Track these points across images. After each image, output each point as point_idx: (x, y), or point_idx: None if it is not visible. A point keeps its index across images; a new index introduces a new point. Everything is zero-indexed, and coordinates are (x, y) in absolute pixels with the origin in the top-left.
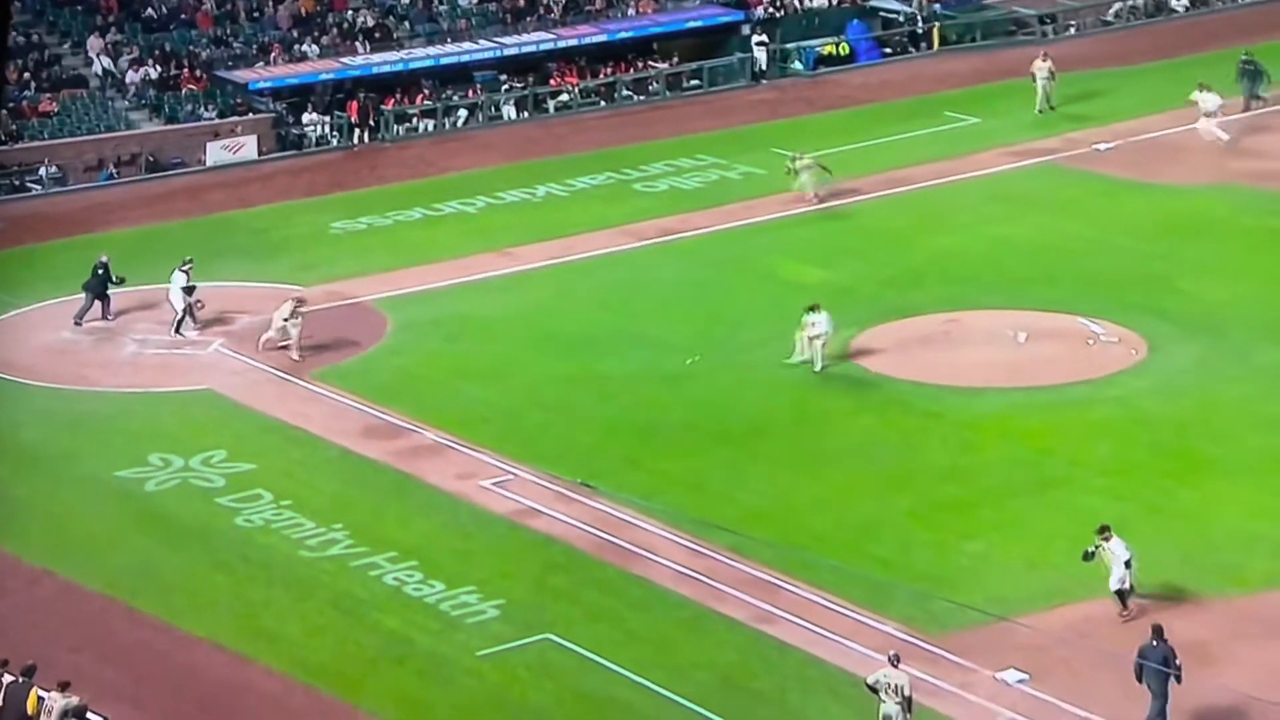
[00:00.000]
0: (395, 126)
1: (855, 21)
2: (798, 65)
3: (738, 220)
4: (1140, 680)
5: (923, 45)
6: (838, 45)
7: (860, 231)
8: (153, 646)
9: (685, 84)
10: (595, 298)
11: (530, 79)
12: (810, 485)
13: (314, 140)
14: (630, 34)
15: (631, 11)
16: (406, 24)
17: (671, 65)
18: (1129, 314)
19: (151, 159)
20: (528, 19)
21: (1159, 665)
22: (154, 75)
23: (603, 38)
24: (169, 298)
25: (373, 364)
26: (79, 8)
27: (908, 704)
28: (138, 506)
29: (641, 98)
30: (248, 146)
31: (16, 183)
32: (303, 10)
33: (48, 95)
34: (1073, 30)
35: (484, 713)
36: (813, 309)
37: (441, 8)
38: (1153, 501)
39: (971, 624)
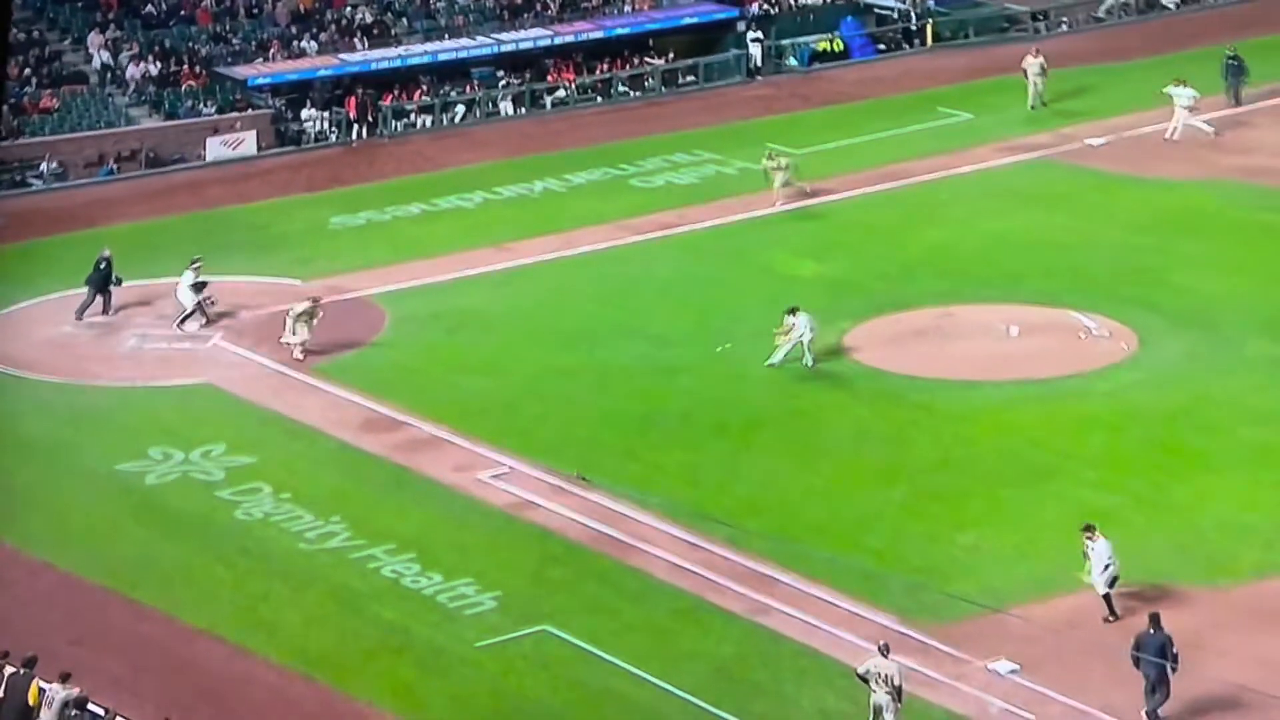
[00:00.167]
0: (393, 122)
1: (849, 18)
2: (793, 62)
3: (734, 215)
4: (1138, 667)
5: (916, 42)
6: (832, 42)
7: (854, 226)
8: (153, 638)
9: (681, 80)
10: (592, 292)
11: (527, 75)
12: (804, 477)
13: (313, 136)
14: (627, 30)
15: (628, 8)
16: (404, 21)
17: (668, 62)
18: (1121, 307)
19: (152, 155)
20: (525, 16)
21: (1156, 652)
22: (154, 71)
23: (599, 34)
24: (177, 295)
25: (371, 358)
26: (79, 4)
27: (897, 693)
28: (138, 499)
29: (638, 94)
30: (247, 142)
31: (18, 178)
32: (301, 7)
33: (49, 91)
34: (1065, 27)
35: (481, 703)
36: (791, 312)
37: (439, 4)
38: (1144, 493)
39: (964, 615)
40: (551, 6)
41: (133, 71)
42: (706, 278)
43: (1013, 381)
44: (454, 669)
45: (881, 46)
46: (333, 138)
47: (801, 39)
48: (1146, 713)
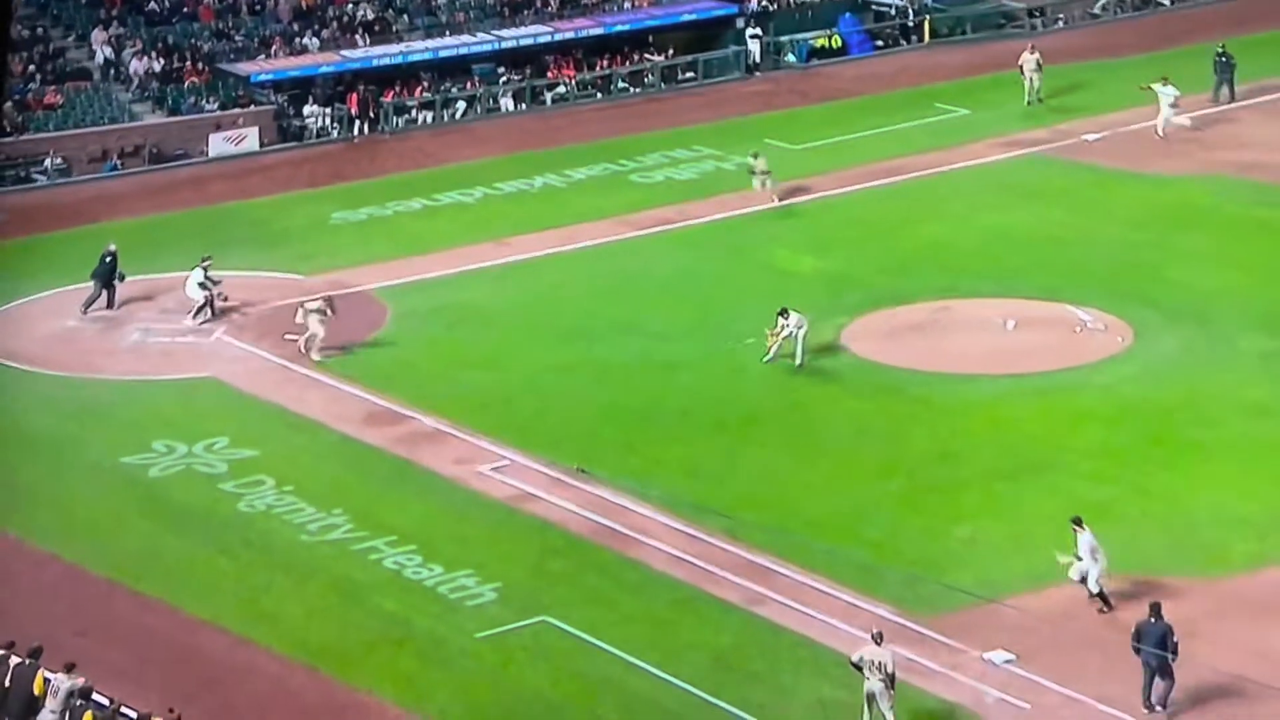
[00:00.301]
0: (395, 118)
1: (847, 15)
2: (791, 58)
3: (733, 210)
4: (1138, 655)
5: (914, 38)
6: (830, 38)
7: (853, 221)
8: (156, 629)
9: (680, 76)
10: (592, 287)
11: (528, 71)
12: (802, 470)
13: (314, 132)
14: (626, 27)
15: (628, 5)
16: (405, 17)
17: (667, 58)
18: (1116, 302)
19: (155, 150)
20: (525, 12)
21: (1157, 641)
22: (157, 68)
23: (599, 31)
24: (186, 292)
25: (373, 352)
26: (83, 1)
27: (890, 681)
28: (142, 492)
29: (637, 90)
30: (249, 138)
31: (22, 174)
32: (303, 4)
33: (52, 88)
34: (1061, 23)
35: (482, 694)
36: (783, 313)
37: (440, 1)
38: (1138, 485)
39: (960, 606)
40: (552, 3)
41: (136, 68)
42: (706, 273)
43: (1009, 375)
44: (455, 660)
45: (879, 43)
46: (334, 134)
47: (800, 35)
48: (1149, 702)
